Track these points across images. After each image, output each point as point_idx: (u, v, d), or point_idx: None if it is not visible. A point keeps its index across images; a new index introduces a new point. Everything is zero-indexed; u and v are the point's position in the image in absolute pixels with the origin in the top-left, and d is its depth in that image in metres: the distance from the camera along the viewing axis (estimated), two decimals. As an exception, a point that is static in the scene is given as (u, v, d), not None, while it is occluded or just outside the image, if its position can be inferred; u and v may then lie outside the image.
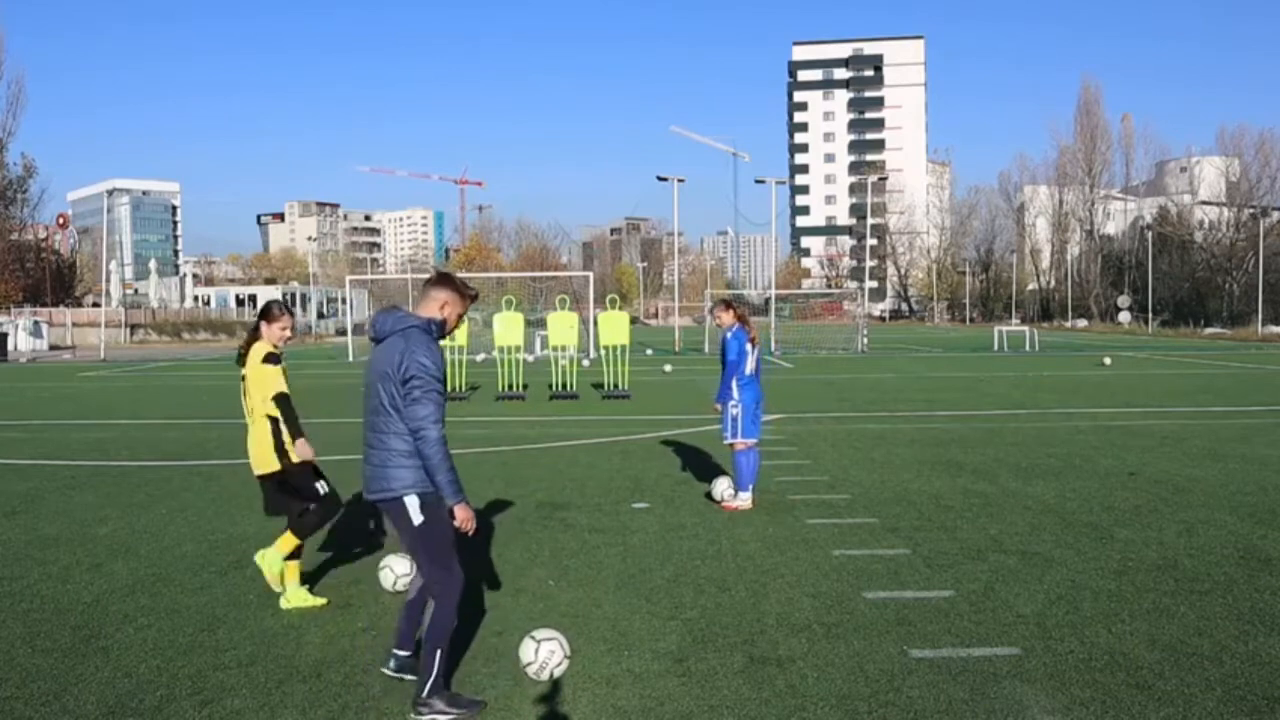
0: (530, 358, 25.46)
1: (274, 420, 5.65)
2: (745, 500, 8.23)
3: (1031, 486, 9.24)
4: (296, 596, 5.73)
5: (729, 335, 8.38)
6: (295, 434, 5.66)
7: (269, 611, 5.62)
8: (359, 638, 5.17)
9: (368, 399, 4.23)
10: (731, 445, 8.33)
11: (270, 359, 5.67)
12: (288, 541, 5.75)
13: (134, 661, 4.82)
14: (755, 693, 4.39)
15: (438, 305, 4.32)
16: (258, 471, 5.77)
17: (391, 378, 4.09)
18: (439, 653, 4.14)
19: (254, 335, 5.84)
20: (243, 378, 5.80)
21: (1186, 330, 66.72)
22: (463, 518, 4.12)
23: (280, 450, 5.67)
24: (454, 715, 4.12)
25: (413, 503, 4.14)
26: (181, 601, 5.83)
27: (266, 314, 5.83)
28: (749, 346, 8.33)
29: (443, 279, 4.41)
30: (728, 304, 8.59)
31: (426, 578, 4.28)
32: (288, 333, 5.85)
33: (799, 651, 4.88)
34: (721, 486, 8.52)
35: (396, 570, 5.89)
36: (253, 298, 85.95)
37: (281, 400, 5.63)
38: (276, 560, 5.73)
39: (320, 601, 5.76)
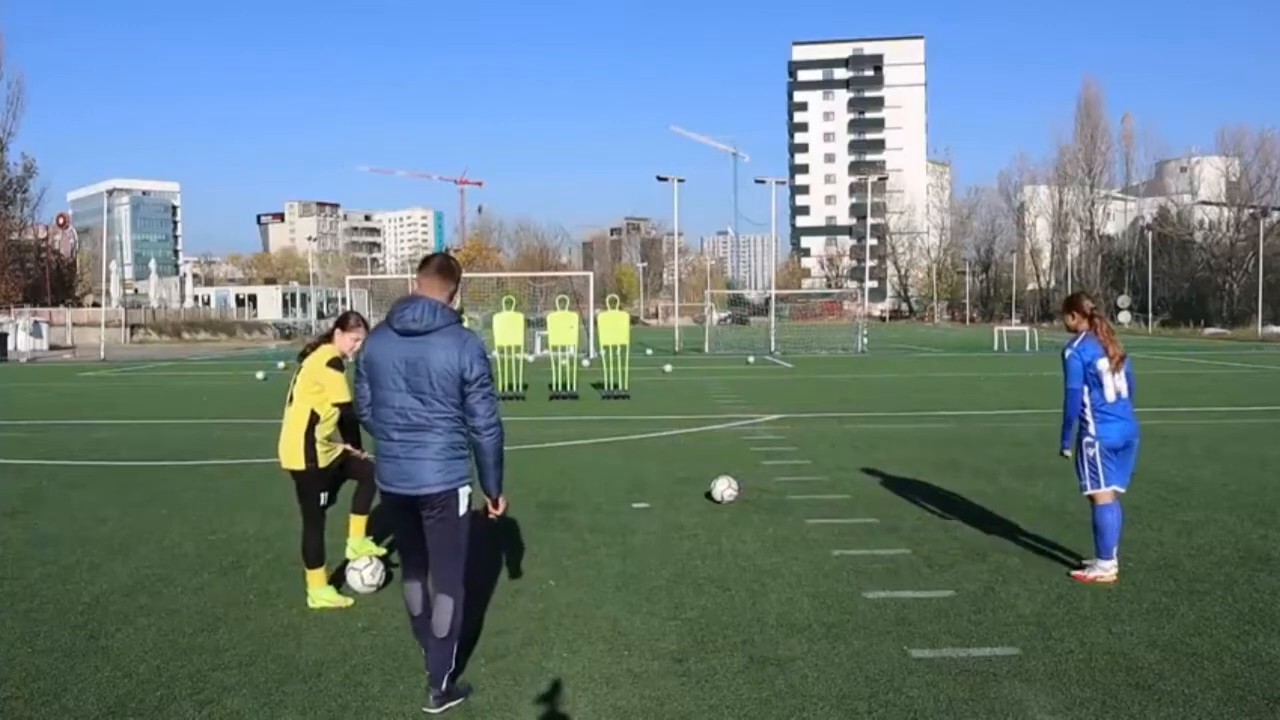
0: (530, 358, 25.45)
1: (312, 420, 5.70)
2: (1107, 570, 6.01)
3: (1031, 486, 9.24)
4: (323, 596, 5.76)
5: (1069, 350, 6.12)
6: (356, 443, 5.85)
7: (269, 611, 5.62)
8: (359, 638, 5.17)
9: (394, 392, 4.23)
10: (1091, 498, 6.11)
11: (335, 364, 5.77)
12: (357, 522, 6.04)
13: (134, 661, 4.82)
14: (755, 693, 4.39)
15: (451, 294, 4.37)
16: (285, 466, 5.82)
17: (450, 376, 4.15)
18: (456, 645, 4.33)
19: (325, 339, 5.94)
20: (298, 371, 5.84)
21: (1186, 330, 66.73)
22: (504, 505, 4.44)
23: (309, 452, 5.70)
24: (462, 700, 4.34)
25: (466, 493, 4.30)
26: (181, 601, 5.83)
27: (344, 322, 5.94)
28: (1103, 363, 5.99)
29: (452, 273, 4.40)
30: (1076, 301, 6.29)
31: (451, 572, 4.31)
32: (359, 345, 5.93)
33: (799, 651, 4.88)
34: (721, 486, 8.51)
35: (357, 566, 5.96)
36: (253, 298, 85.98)
37: (346, 408, 5.75)
38: (363, 544, 6.03)
39: (347, 602, 5.77)
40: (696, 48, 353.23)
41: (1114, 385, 6.02)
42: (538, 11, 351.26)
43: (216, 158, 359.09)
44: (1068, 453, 6.22)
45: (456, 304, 4.41)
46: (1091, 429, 6.05)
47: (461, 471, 4.28)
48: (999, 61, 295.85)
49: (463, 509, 4.30)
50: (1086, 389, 6.05)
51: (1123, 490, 6.12)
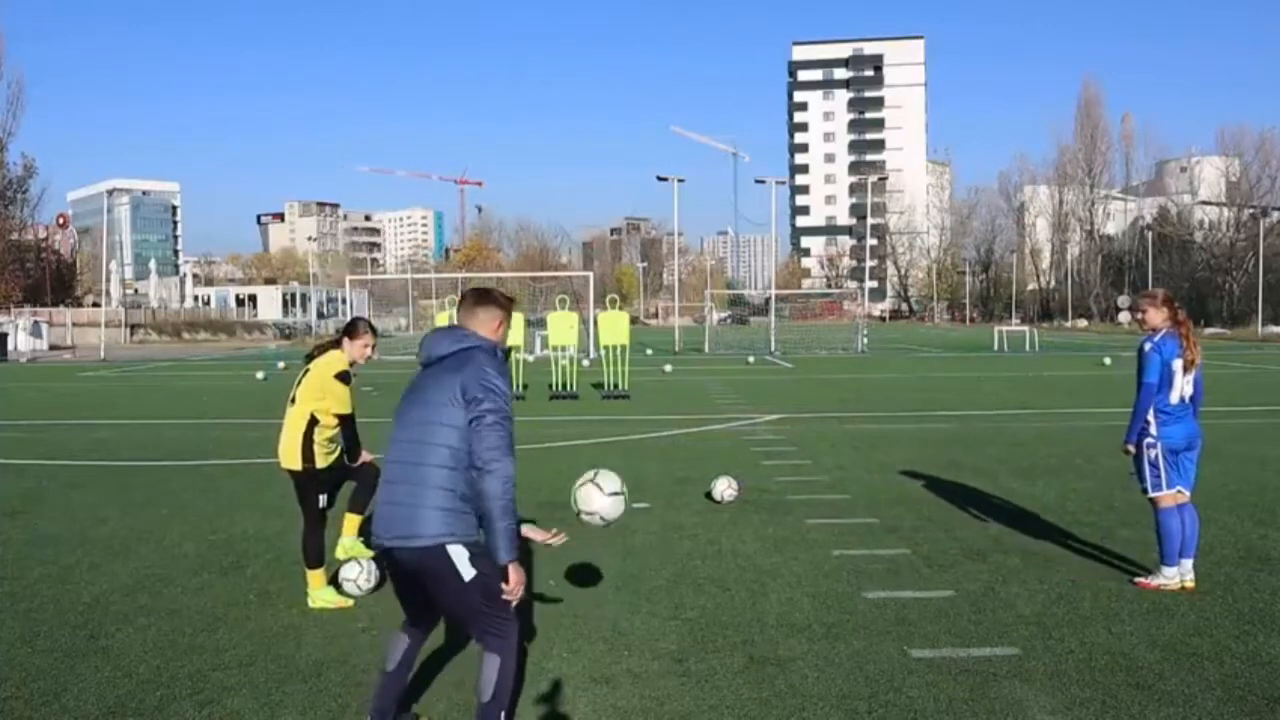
0: (530, 358, 25.45)
1: (311, 422, 5.72)
2: (1169, 579, 5.86)
3: (1031, 486, 9.24)
4: (323, 596, 5.75)
5: (1148, 344, 5.92)
6: (354, 452, 5.91)
7: (269, 611, 5.62)
8: (359, 638, 5.17)
9: (404, 428, 3.64)
10: (1153, 501, 5.96)
11: (343, 377, 5.76)
12: (351, 521, 6.12)
13: (134, 661, 4.82)
14: (755, 693, 4.39)
15: (494, 326, 3.74)
16: (283, 466, 5.84)
17: (451, 403, 3.48)
18: (503, 715, 3.58)
19: (333, 344, 5.92)
20: (304, 373, 5.83)
21: (1186, 330, 66.60)
22: (515, 580, 3.47)
23: (306, 453, 5.72)
24: None
25: (460, 554, 3.48)
26: (181, 601, 5.83)
27: (352, 330, 5.92)
28: (1177, 363, 5.86)
29: (490, 298, 3.79)
30: (1153, 296, 6.10)
31: (485, 632, 3.58)
32: (369, 351, 5.94)
33: (799, 651, 4.89)
34: (721, 486, 8.51)
35: (348, 575, 5.88)
36: (253, 298, 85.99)
37: (347, 421, 5.80)
38: (354, 545, 6.07)
39: (348, 602, 5.76)
40: (696, 48, 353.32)
41: (1181, 387, 5.88)
42: (538, 11, 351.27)
43: (216, 158, 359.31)
44: (1131, 447, 6.01)
45: (499, 336, 3.76)
46: (1153, 429, 5.89)
47: (458, 527, 3.49)
48: (999, 61, 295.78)
49: (465, 571, 3.48)
50: None
51: (1187, 493, 5.94)
